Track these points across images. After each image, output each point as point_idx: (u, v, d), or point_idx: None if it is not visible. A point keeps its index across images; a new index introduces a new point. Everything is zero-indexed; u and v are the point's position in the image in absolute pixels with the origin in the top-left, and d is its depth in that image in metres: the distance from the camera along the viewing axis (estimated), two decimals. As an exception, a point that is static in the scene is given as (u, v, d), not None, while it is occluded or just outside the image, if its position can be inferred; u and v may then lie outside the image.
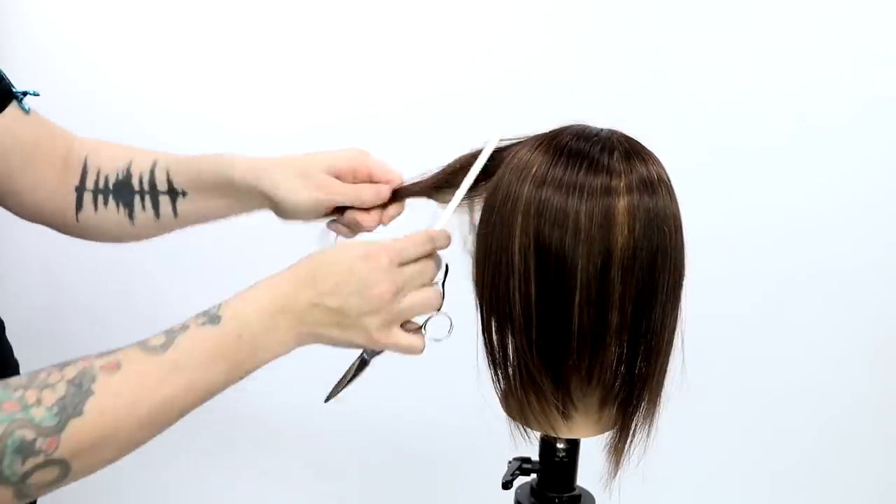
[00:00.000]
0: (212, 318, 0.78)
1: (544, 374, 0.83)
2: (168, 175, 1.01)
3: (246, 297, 0.80)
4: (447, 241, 0.86)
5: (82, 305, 1.58)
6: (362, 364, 0.89)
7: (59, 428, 0.70)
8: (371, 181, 0.98)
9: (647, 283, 0.80)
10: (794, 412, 1.58)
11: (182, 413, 0.77)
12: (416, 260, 0.84)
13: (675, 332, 0.85)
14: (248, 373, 0.80)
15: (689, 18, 1.42)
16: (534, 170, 0.81)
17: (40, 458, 0.69)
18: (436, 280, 0.86)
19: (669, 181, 0.82)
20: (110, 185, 1.01)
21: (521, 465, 0.95)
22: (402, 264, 0.82)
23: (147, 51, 1.48)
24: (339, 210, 0.98)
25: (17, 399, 0.69)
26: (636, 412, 0.86)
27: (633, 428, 0.87)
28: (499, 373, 0.88)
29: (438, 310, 0.85)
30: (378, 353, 0.88)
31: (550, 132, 0.86)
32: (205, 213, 1.02)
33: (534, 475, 0.96)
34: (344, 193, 0.96)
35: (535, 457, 0.95)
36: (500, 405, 0.92)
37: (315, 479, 1.65)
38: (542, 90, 1.43)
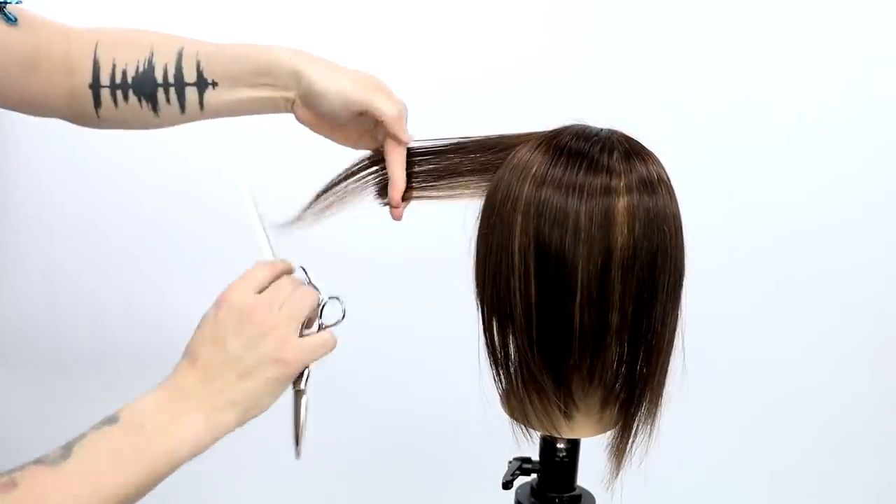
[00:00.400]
0: (109, 419, 0.75)
1: (545, 373, 0.83)
2: (198, 64, 0.96)
3: (140, 397, 0.78)
4: (287, 265, 0.87)
5: (82, 307, 1.58)
6: (298, 397, 0.86)
7: None
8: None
9: (648, 282, 0.80)
10: (795, 412, 1.58)
11: None
12: (269, 284, 0.83)
13: (676, 332, 0.85)
14: (161, 472, 0.76)
15: (688, 18, 1.43)
16: (534, 170, 0.81)
17: None
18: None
19: (669, 181, 0.83)
20: (129, 79, 0.96)
21: (522, 465, 0.96)
22: (258, 291, 0.82)
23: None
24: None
25: None
26: (637, 412, 0.86)
27: (634, 428, 0.87)
28: (500, 372, 0.88)
29: (318, 305, 0.84)
30: (302, 375, 0.84)
31: (550, 132, 0.86)
32: (231, 106, 0.98)
33: (534, 475, 0.96)
34: (387, 103, 0.94)
35: (536, 457, 0.95)
36: (500, 405, 0.92)
37: (315, 479, 1.65)
38: (541, 90, 1.43)
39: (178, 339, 1.68)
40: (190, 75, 0.96)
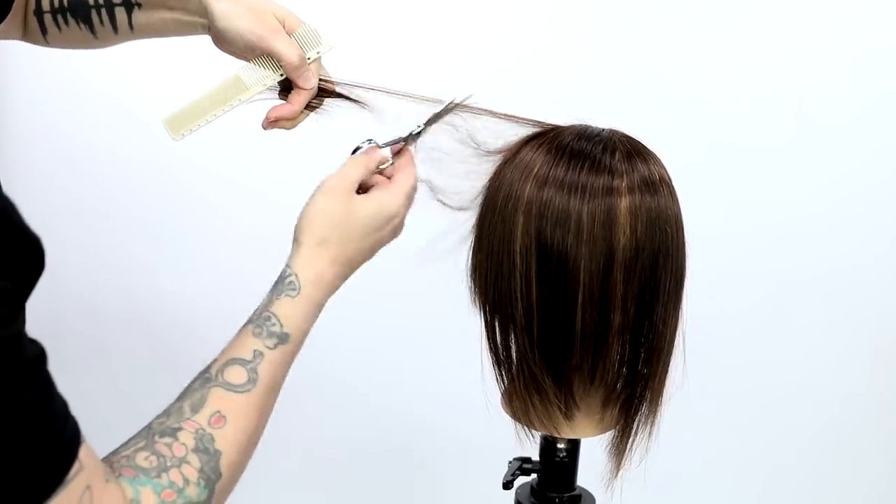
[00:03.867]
0: (281, 338, 0.80)
1: (547, 373, 0.83)
2: None
3: (303, 305, 0.82)
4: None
5: (83, 305, 1.58)
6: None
7: (210, 496, 0.74)
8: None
9: (649, 283, 0.80)
10: (794, 412, 1.58)
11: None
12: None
13: (677, 332, 0.85)
14: None
15: (689, 18, 1.42)
16: (535, 169, 0.81)
17: None
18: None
19: (671, 181, 0.82)
20: (66, 3, 1.01)
21: (522, 465, 0.95)
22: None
23: (148, 51, 1.47)
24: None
25: (169, 485, 0.71)
26: (638, 412, 0.86)
27: (635, 428, 0.87)
28: (502, 372, 0.88)
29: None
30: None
31: (552, 131, 0.86)
32: (157, 26, 1.01)
33: (534, 475, 0.96)
34: (285, 45, 0.95)
35: (536, 457, 0.95)
36: (501, 405, 0.92)
37: (316, 479, 1.65)
38: (542, 90, 1.43)
39: (177, 336, 1.69)
40: None
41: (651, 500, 1.23)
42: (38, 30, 1.02)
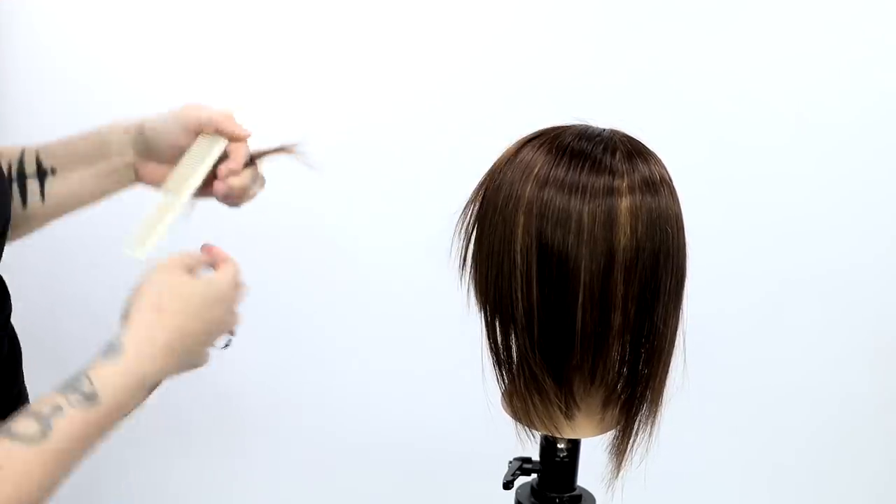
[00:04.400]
0: (88, 397, 0.74)
1: (547, 373, 0.83)
2: (37, 156, 0.96)
3: (121, 370, 0.77)
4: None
5: (82, 305, 1.58)
6: None
7: None
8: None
9: (650, 283, 0.80)
10: (794, 412, 1.58)
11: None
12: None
13: (678, 332, 0.85)
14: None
15: (690, 18, 1.42)
16: (536, 170, 0.81)
17: None
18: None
19: (671, 181, 0.83)
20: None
21: (522, 466, 0.95)
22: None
23: (147, 51, 1.48)
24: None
25: None
26: (639, 412, 0.86)
27: (635, 428, 0.87)
28: (502, 372, 0.88)
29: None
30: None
31: (552, 131, 0.86)
32: (74, 190, 0.97)
33: (534, 475, 0.96)
34: (208, 110, 0.95)
35: (536, 457, 0.95)
36: (501, 405, 0.92)
37: (315, 479, 1.65)
38: (542, 90, 1.43)
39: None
40: (30, 167, 0.95)
41: (652, 501, 1.23)
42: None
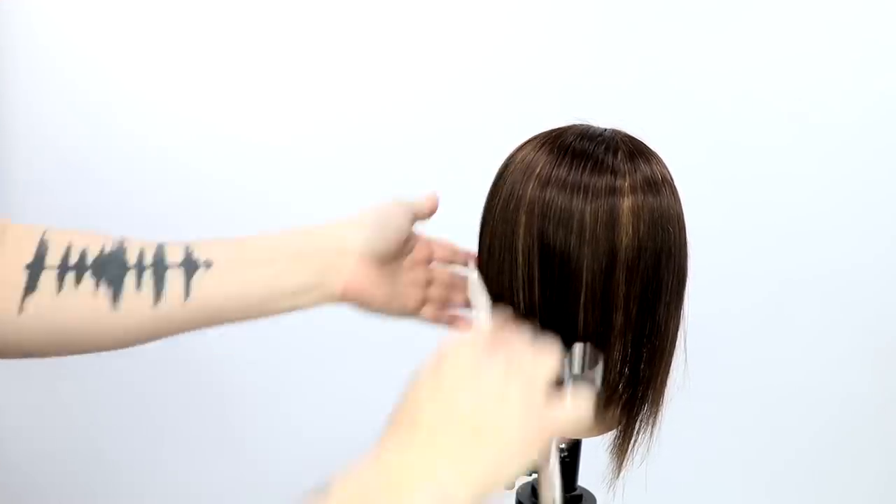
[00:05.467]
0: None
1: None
2: (187, 248, 0.76)
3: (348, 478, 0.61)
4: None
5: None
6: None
7: None
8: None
9: (652, 283, 0.80)
10: (795, 412, 1.58)
11: None
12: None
13: (679, 333, 0.85)
14: None
15: (691, 19, 1.43)
16: (537, 169, 0.81)
17: None
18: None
19: (673, 181, 0.83)
20: (88, 261, 0.73)
21: (523, 465, 0.95)
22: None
23: (148, 51, 1.48)
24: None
25: None
26: (640, 412, 0.86)
27: (636, 428, 0.87)
28: None
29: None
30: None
31: (553, 131, 0.86)
32: (230, 292, 0.74)
33: (535, 475, 0.96)
34: (420, 204, 0.82)
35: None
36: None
37: (314, 478, 1.65)
38: (543, 90, 1.43)
39: (177, 339, 1.69)
40: (174, 256, 0.75)
41: (653, 501, 1.23)
42: (20, 290, 0.71)
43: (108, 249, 0.74)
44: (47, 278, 0.72)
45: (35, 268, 0.72)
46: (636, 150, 0.82)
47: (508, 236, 0.81)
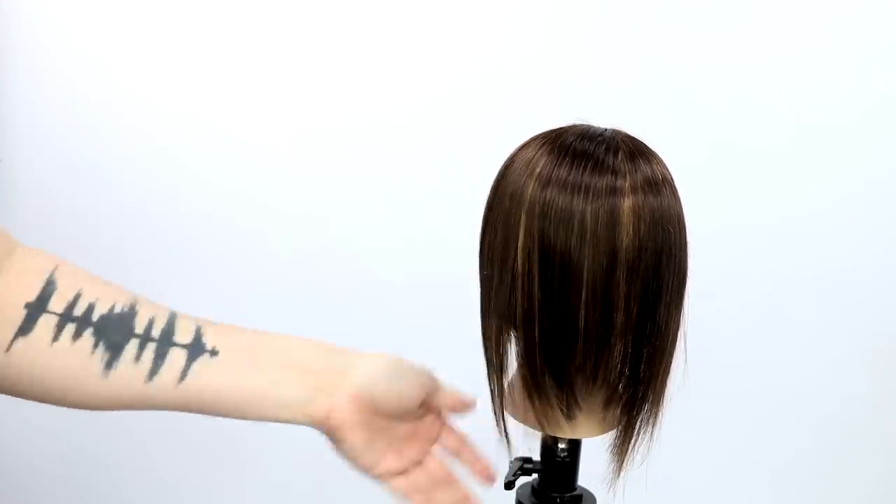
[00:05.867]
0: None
1: (549, 374, 0.83)
2: (198, 330, 0.72)
3: None
4: None
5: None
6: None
7: None
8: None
9: (652, 283, 0.80)
10: (794, 412, 1.58)
11: None
12: None
13: (679, 332, 0.85)
14: None
15: (691, 19, 1.43)
16: (538, 170, 0.81)
17: None
18: None
19: (673, 181, 0.83)
20: (94, 317, 0.70)
21: (523, 466, 0.95)
22: None
23: (148, 52, 1.48)
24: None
25: None
26: (640, 412, 0.86)
27: (637, 428, 0.87)
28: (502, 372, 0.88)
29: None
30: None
31: (554, 131, 0.86)
32: (224, 388, 0.71)
33: (535, 475, 0.96)
34: (443, 389, 0.77)
35: (537, 457, 0.95)
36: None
37: (314, 478, 1.65)
38: (543, 90, 1.43)
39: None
40: (184, 336, 0.71)
41: (652, 500, 1.23)
42: (13, 328, 0.68)
43: (117, 309, 0.71)
44: (45, 324, 0.69)
45: (35, 310, 0.69)
46: (636, 151, 0.82)
47: (509, 236, 0.82)
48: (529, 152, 0.84)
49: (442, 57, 1.45)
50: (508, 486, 0.95)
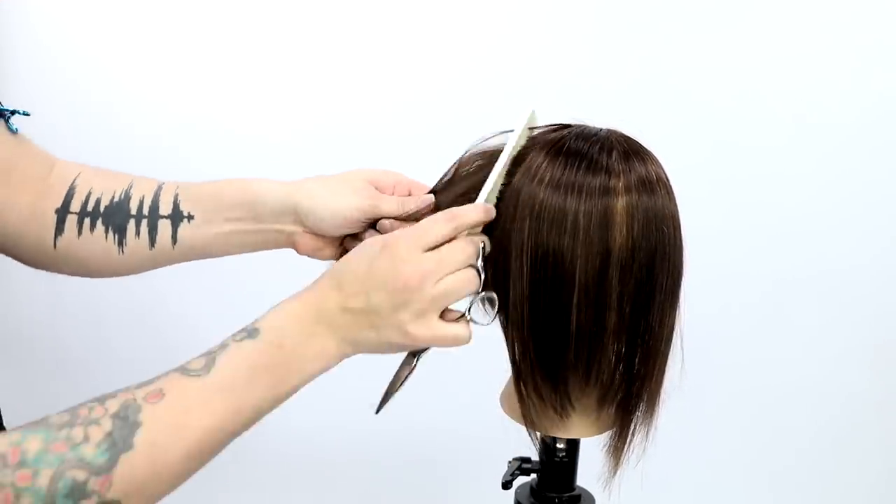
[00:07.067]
0: (250, 332, 0.75)
1: (542, 373, 0.84)
2: (176, 197, 0.91)
3: (279, 309, 0.76)
4: (477, 215, 0.79)
5: (84, 308, 1.58)
6: (404, 367, 0.84)
7: (111, 465, 0.66)
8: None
9: (646, 283, 0.80)
10: (793, 412, 1.58)
11: (231, 436, 0.74)
12: (443, 243, 0.77)
13: (674, 333, 0.85)
14: (294, 388, 0.76)
15: (688, 18, 1.43)
16: (532, 169, 0.81)
17: (93, 501, 0.65)
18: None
19: (668, 181, 0.83)
20: (101, 209, 0.91)
21: (521, 465, 0.96)
22: (427, 249, 0.77)
23: (148, 51, 1.48)
24: (372, 226, 0.90)
25: (64, 438, 0.65)
26: (635, 412, 0.86)
27: (632, 428, 0.87)
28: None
29: (477, 293, 0.79)
30: (423, 350, 0.82)
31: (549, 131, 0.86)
32: (208, 241, 0.91)
33: (533, 475, 0.96)
34: (389, 202, 0.88)
35: (535, 457, 0.95)
36: (499, 404, 0.92)
37: (314, 479, 1.66)
38: (541, 90, 1.43)
39: (178, 339, 1.69)
40: (165, 208, 0.90)
41: (648, 500, 1.23)
42: (52, 231, 0.90)
43: (116, 198, 0.91)
44: (70, 223, 0.90)
45: (62, 213, 0.90)
46: (631, 150, 0.82)
47: (503, 236, 0.82)
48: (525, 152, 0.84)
49: (441, 56, 1.45)
50: (506, 485, 0.95)
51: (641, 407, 0.86)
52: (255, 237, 0.91)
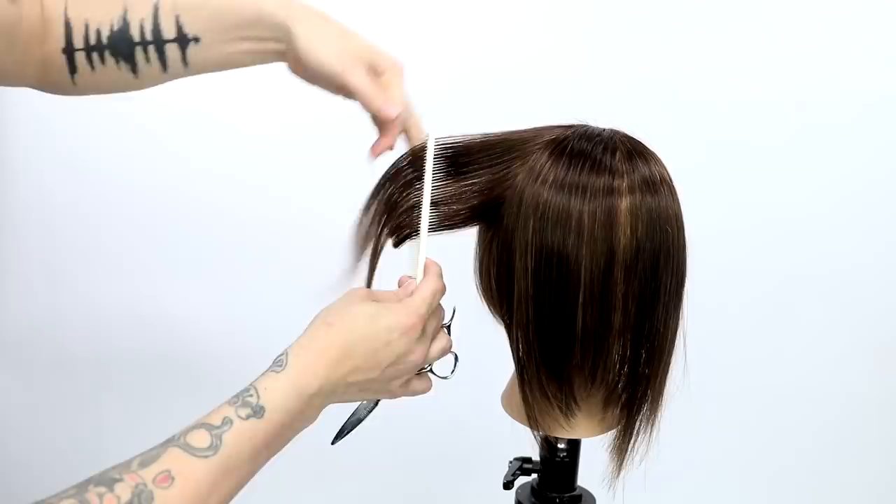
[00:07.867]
0: (255, 410, 0.74)
1: (547, 374, 0.83)
2: (177, 19, 0.89)
3: (284, 382, 0.76)
4: (441, 290, 0.84)
5: (83, 307, 1.58)
6: (368, 408, 0.90)
7: None
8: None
9: (650, 283, 0.80)
10: (794, 412, 1.58)
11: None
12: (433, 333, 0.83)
13: (678, 332, 0.85)
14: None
15: (690, 19, 1.43)
16: (535, 169, 0.81)
17: None
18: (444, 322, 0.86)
19: (671, 181, 0.82)
20: (104, 40, 0.89)
21: (522, 465, 0.96)
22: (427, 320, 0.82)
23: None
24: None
25: None
26: (639, 412, 0.86)
27: (636, 428, 0.86)
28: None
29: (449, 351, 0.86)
30: None
31: (554, 132, 0.85)
32: (218, 61, 0.91)
33: (535, 475, 0.96)
34: (358, 84, 0.90)
35: (536, 457, 0.95)
36: (501, 405, 0.92)
37: (315, 479, 1.65)
38: (543, 91, 1.43)
39: (178, 339, 1.69)
40: (169, 31, 0.89)
41: (651, 500, 1.23)
42: (66, 69, 0.90)
43: (115, 27, 0.89)
44: (80, 59, 0.89)
45: (68, 51, 0.89)
46: (635, 151, 0.82)
47: (507, 236, 0.82)
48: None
49: (441, 55, 1.45)
50: (507, 485, 0.95)
51: (646, 407, 0.86)
52: (259, 57, 0.92)
